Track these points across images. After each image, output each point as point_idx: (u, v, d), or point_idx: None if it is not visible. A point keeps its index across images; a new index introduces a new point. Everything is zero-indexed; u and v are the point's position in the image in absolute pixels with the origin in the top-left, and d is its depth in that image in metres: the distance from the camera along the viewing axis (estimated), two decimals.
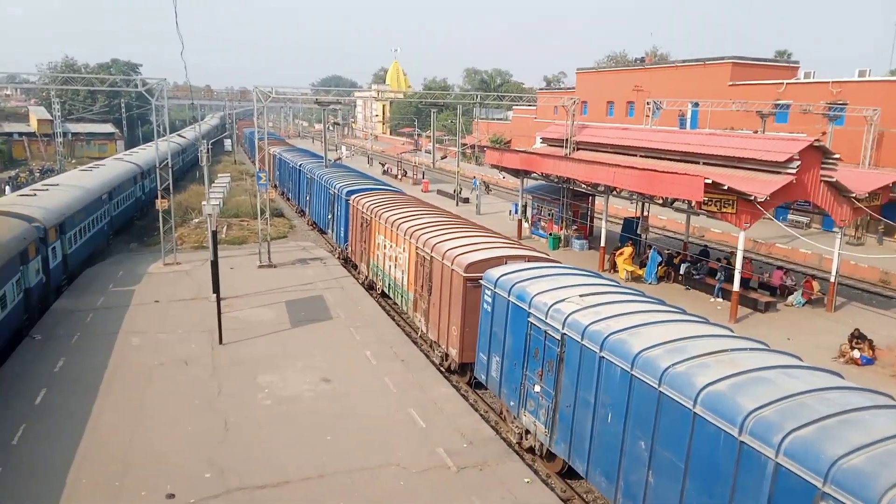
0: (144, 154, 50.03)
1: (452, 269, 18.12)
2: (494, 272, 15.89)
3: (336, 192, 32.41)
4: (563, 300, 13.39)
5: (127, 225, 40.40)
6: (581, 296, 13.56)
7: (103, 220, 33.83)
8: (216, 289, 21.17)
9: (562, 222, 36.48)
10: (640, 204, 33.68)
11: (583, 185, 31.74)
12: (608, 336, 11.67)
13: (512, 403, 14.76)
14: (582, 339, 12.15)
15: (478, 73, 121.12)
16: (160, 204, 30.73)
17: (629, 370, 10.94)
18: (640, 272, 29.41)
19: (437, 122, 73.96)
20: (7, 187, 52.52)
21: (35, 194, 28.27)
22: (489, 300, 15.77)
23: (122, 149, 79.51)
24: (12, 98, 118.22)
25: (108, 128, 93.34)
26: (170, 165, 33.04)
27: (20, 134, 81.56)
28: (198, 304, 24.49)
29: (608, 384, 11.50)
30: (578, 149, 37.28)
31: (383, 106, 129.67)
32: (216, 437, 14.82)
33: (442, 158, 69.87)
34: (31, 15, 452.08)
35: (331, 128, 74.70)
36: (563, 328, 12.72)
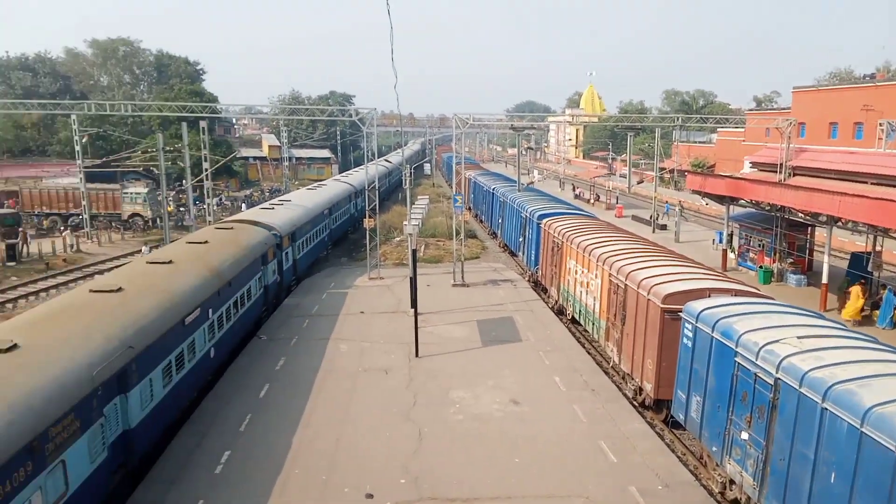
0: (357, 176, 54.64)
1: (649, 300, 17.42)
2: (696, 305, 15.00)
3: (528, 215, 32.78)
4: (777, 341, 12.25)
5: (342, 237, 44.64)
6: (799, 337, 12.31)
7: (324, 233, 38.17)
8: (414, 304, 22.42)
9: (774, 254, 33.42)
10: (871, 237, 29.80)
11: (800, 215, 28.88)
12: (833, 385, 10.44)
13: (714, 449, 13.74)
14: (800, 385, 11.01)
15: (678, 94, 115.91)
16: (367, 223, 33.36)
17: (858, 426, 9.68)
18: (872, 315, 25.97)
19: (633, 145, 71.86)
20: (243, 204, 60.23)
21: (273, 208, 32.74)
22: (689, 335, 14.90)
23: (337, 172, 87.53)
24: (249, 127, 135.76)
25: (326, 153, 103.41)
26: (377, 188, 35.73)
27: (254, 158, 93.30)
28: (397, 317, 26.06)
29: (832, 439, 10.27)
30: (795, 174, 34.06)
31: (577, 130, 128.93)
32: (411, 445, 15.60)
33: (638, 183, 67.64)
34: (260, 52, 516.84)
35: (524, 152, 75.85)
36: (776, 372, 11.62)
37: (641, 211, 58.21)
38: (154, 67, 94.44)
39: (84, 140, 49.19)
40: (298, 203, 35.28)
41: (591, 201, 67.20)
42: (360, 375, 19.96)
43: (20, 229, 42.92)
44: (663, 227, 49.23)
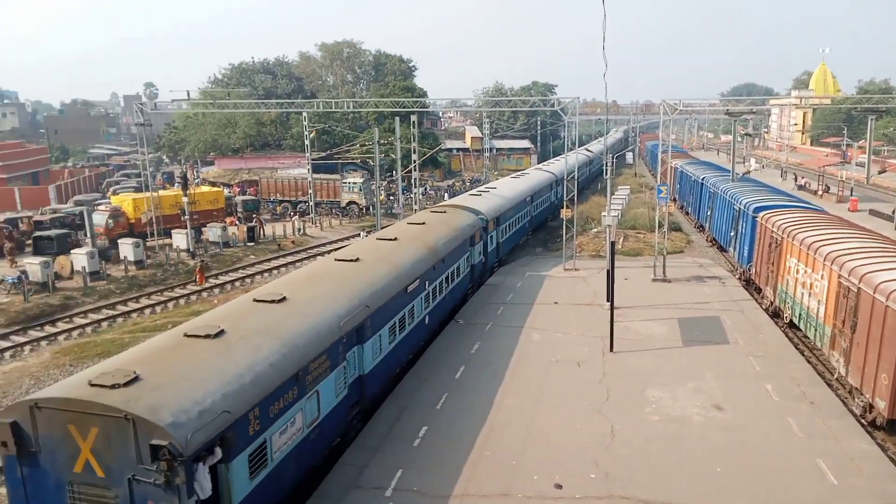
0: (558, 165, 54.53)
1: (887, 306, 15.22)
2: None
3: (741, 207, 30.22)
4: None
5: (542, 224, 45.25)
6: None
7: (525, 219, 39.44)
8: (610, 297, 21.85)
9: None
10: None
11: None
12: None
13: None
14: None
15: None
16: (565, 213, 33.10)
17: None
18: None
19: (874, 130, 62.72)
20: (446, 194, 63.02)
21: (480, 195, 34.90)
22: None
23: (535, 162, 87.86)
24: (453, 119, 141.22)
25: (526, 143, 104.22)
26: (576, 177, 35.27)
27: (457, 149, 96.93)
28: (592, 309, 25.59)
29: None
30: None
31: (804, 114, 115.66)
32: (602, 441, 15.29)
33: (879, 173, 58.97)
34: (466, 47, 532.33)
35: (740, 139, 69.88)
36: None
37: (882, 205, 50.77)
38: (372, 66, 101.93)
39: (312, 135, 54.79)
40: (503, 190, 37.23)
41: (819, 193, 60.04)
42: (552, 366, 19.96)
43: (256, 215, 49.19)
44: None
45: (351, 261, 18.50)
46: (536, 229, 43.43)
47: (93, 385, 10.02)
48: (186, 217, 38.66)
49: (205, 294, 31.74)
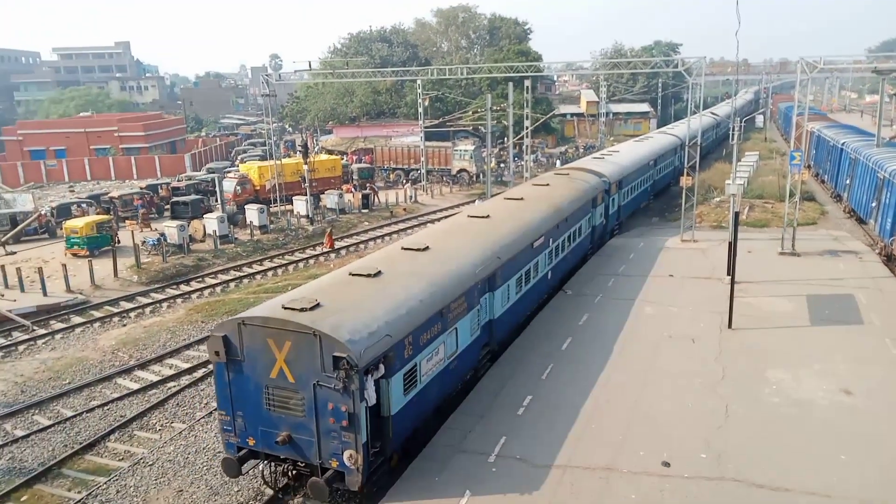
0: (683, 128, 51.97)
1: None
2: None
3: (886, 175, 27.46)
4: None
5: (665, 189, 44.36)
6: None
7: (647, 183, 39.15)
8: (731, 271, 20.70)
9: None
10: None
11: None
12: None
13: None
14: None
15: None
16: (685, 181, 31.47)
17: None
18: None
19: None
20: (558, 161, 61.79)
21: (603, 158, 35.34)
22: None
23: (654, 127, 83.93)
24: (569, 83, 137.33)
25: (644, 107, 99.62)
26: (698, 143, 33.39)
27: (572, 115, 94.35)
28: (710, 283, 24.39)
29: None
30: None
31: None
32: (716, 421, 14.69)
33: None
34: (590, 8, 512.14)
35: (888, 100, 63.03)
36: None
37: None
38: (487, 31, 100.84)
39: (426, 102, 55.32)
40: (626, 154, 37.34)
41: None
42: (664, 341, 19.29)
43: (370, 183, 50.59)
44: None
45: (483, 217, 20.59)
46: (659, 194, 42.64)
47: (285, 308, 12.52)
48: (306, 184, 40.47)
49: (322, 258, 33.26)
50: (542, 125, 68.50)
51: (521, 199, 23.58)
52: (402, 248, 17.28)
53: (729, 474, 12.70)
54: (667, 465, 13.08)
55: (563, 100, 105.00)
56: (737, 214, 21.44)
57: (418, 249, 16.82)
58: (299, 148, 50.62)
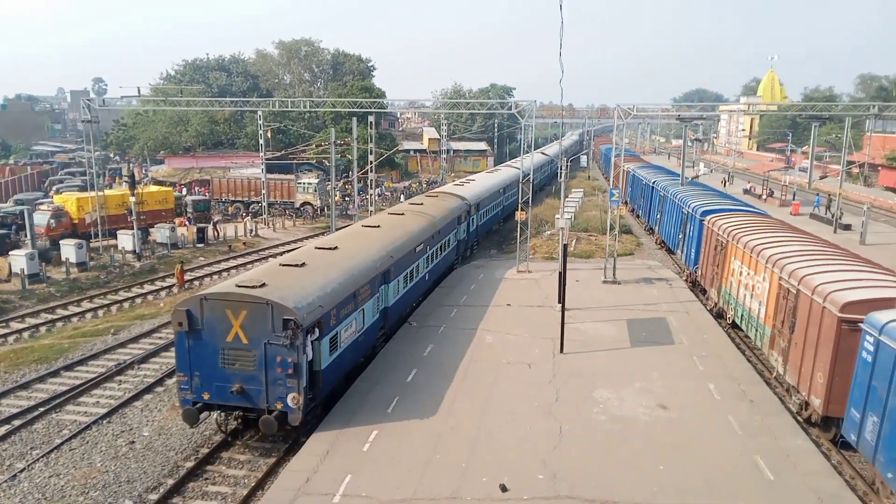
0: (525, 163, 55.39)
1: (823, 307, 15.79)
2: (881, 316, 13.38)
3: (690, 211, 30.98)
4: None
5: (511, 214, 47.63)
6: None
7: (498, 207, 44.65)
8: (562, 299, 22.10)
9: None
10: None
11: None
12: None
13: (890, 475, 12.22)
14: None
15: (875, 79, 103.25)
16: (519, 216, 33.35)
17: None
18: None
19: (817, 136, 65.07)
20: (402, 196, 62.84)
21: (463, 185, 41.35)
22: (870, 348, 13.33)
23: (492, 164, 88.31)
24: (411, 120, 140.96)
25: (482, 145, 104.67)
26: (531, 180, 35.61)
27: (415, 151, 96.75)
28: (544, 311, 25.86)
29: None
30: None
31: (751, 120, 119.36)
32: (551, 441, 15.45)
33: (820, 178, 61.14)
34: (426, 48, 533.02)
35: (690, 144, 71.54)
36: None
37: (822, 209, 52.78)
38: (330, 65, 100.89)
39: (267, 134, 53.91)
40: (481, 182, 43.73)
41: (764, 197, 62.06)
42: (503, 367, 20.08)
43: (210, 215, 48.16)
44: (847, 228, 44.31)
45: (375, 227, 25.08)
46: (507, 218, 47.94)
47: (239, 286, 15.94)
48: (133, 217, 37.61)
49: (150, 297, 30.91)
50: (387, 160, 69.43)
51: (403, 213, 28.57)
52: (316, 248, 21.22)
53: (564, 492, 13.37)
54: (504, 489, 13.47)
55: (406, 136, 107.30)
56: (565, 247, 23.02)
57: (330, 248, 20.79)
58: (126, 178, 46.97)
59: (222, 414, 16.73)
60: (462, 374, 19.48)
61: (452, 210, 32.31)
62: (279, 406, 15.38)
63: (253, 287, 15.71)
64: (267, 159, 53.34)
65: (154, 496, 14.36)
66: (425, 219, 28.23)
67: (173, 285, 32.24)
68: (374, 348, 21.12)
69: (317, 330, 15.94)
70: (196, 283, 33.15)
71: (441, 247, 29.42)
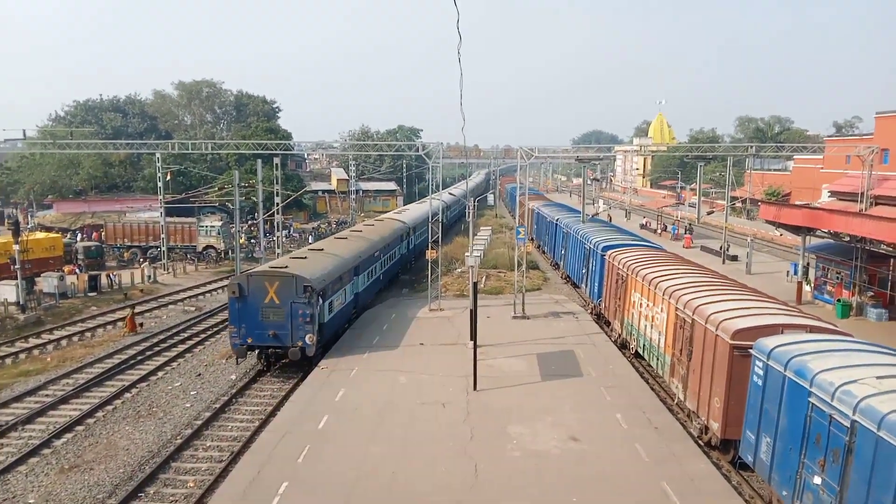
0: (435, 203, 56.23)
1: (717, 335, 16.74)
2: (768, 342, 14.31)
3: (592, 246, 32.27)
4: (855, 381, 11.53)
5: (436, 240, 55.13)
6: (879, 377, 11.54)
7: (427, 232, 49.95)
8: (474, 336, 22.29)
9: (854, 287, 31.62)
10: None
11: (883, 246, 27.27)
12: None
13: (784, 493, 12.94)
14: (878, 429, 10.28)
15: (752, 121, 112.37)
16: (430, 255, 33.58)
17: None
18: None
19: (703, 174, 69.94)
20: (311, 237, 61.87)
21: (401, 212, 51.31)
22: (760, 373, 14.20)
23: (401, 204, 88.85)
24: (319, 161, 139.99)
25: (391, 185, 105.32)
26: (440, 220, 36.07)
27: (323, 191, 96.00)
28: (456, 349, 25.97)
29: None
30: (877, 203, 32.31)
31: (644, 159, 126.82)
32: (467, 481, 15.36)
33: (708, 213, 65.62)
34: (332, 90, 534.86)
35: (589, 182, 75.01)
36: (853, 414, 10.91)
37: (711, 242, 56.38)
38: (233, 106, 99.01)
39: (166, 177, 51.92)
40: (414, 211, 52.55)
41: (659, 232, 65.62)
42: (417, 408, 19.90)
43: (105, 262, 45.48)
44: (734, 259, 47.48)
45: (344, 238, 34.68)
46: (447, 230, 55.09)
47: (272, 268, 25.10)
48: (17, 266, 34.93)
49: (36, 352, 28.61)
50: (295, 201, 68.35)
51: (361, 231, 38.13)
52: (309, 249, 31.53)
53: None
54: None
55: (314, 177, 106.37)
56: (475, 284, 23.33)
57: (319, 249, 30.26)
58: (9, 225, 43.77)
59: (260, 352, 24.61)
60: (377, 418, 19.13)
61: (397, 230, 41.67)
62: (300, 344, 23.64)
63: (282, 267, 24.81)
64: (167, 202, 51.28)
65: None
66: (379, 234, 37.61)
67: (38, 345, 29.93)
68: (349, 321, 30.00)
69: (321, 297, 24.39)
70: (58, 344, 30.68)
71: (391, 256, 38.52)
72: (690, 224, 66.13)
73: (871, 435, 10.44)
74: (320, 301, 24.18)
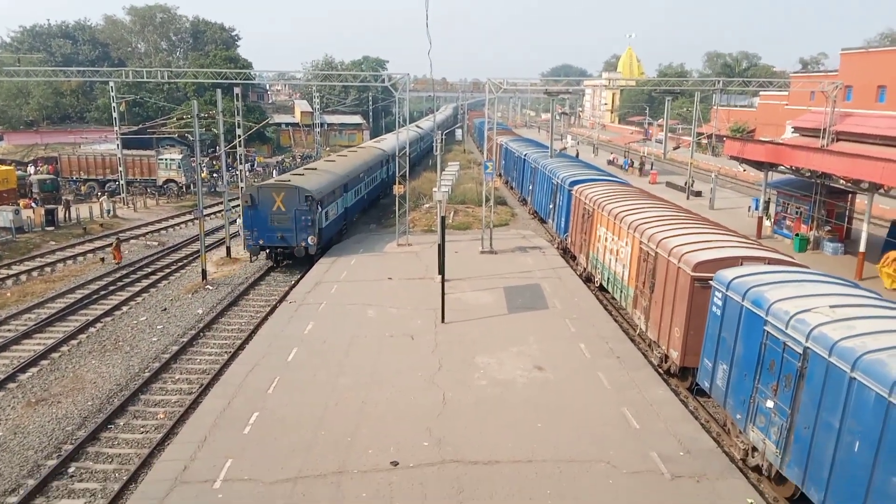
0: (401, 137, 55.22)
1: (679, 268, 17.13)
2: (727, 273, 14.71)
3: (559, 182, 32.36)
4: (808, 310, 11.98)
5: (419, 161, 65.57)
6: (831, 306, 12.00)
7: (410, 157, 54.11)
8: (442, 270, 22.45)
9: (812, 222, 32.52)
10: None
11: (842, 182, 27.94)
12: (863, 355, 10.19)
13: (738, 416, 13.60)
14: (829, 355, 10.77)
15: (720, 56, 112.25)
16: (397, 189, 33.31)
17: (887, 396, 9.46)
18: None
19: (671, 110, 70.03)
20: (275, 171, 60.69)
21: (380, 141, 56.27)
22: (719, 303, 14.65)
23: (368, 138, 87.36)
24: (282, 93, 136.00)
25: (357, 119, 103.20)
26: (407, 154, 35.63)
27: (287, 124, 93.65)
28: (424, 283, 26.17)
29: (858, 409, 10.06)
30: (838, 139, 32.91)
31: (613, 94, 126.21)
32: (435, 409, 15.77)
33: (674, 149, 66.10)
34: (294, 20, 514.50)
35: (558, 117, 74.49)
36: (806, 341, 11.39)
37: (677, 177, 57.05)
38: (190, 34, 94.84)
39: (121, 107, 49.92)
40: (391, 140, 52.98)
41: (629, 169, 65.99)
42: (386, 340, 20.16)
43: (62, 195, 44.09)
44: (698, 194, 48.23)
45: (332, 161, 39.81)
46: (413, 166, 53.86)
47: (278, 181, 31.73)
48: None
49: None
50: (257, 134, 66.65)
51: (347, 155, 43.16)
52: (305, 168, 35.73)
53: (449, 457, 13.72)
54: (395, 464, 13.62)
55: (276, 109, 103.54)
56: (443, 219, 23.33)
57: (313, 169, 34.63)
58: None
59: (270, 251, 29.86)
60: (345, 351, 19.34)
61: (379, 156, 46.13)
62: (303, 244, 28.87)
63: (286, 181, 30.30)
64: (123, 134, 49.54)
65: (16, 496, 13.18)
66: (363, 159, 42.16)
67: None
68: (340, 233, 34.35)
69: (319, 205, 29.20)
70: (17, 279, 30.27)
71: (374, 179, 43.62)
72: (642, 159, 67.23)
73: (822, 361, 10.93)
74: (319, 209, 29.07)
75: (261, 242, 28.76)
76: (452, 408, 15.87)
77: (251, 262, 30.48)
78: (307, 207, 28.29)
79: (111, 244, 32.22)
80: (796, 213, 34.09)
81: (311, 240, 28.61)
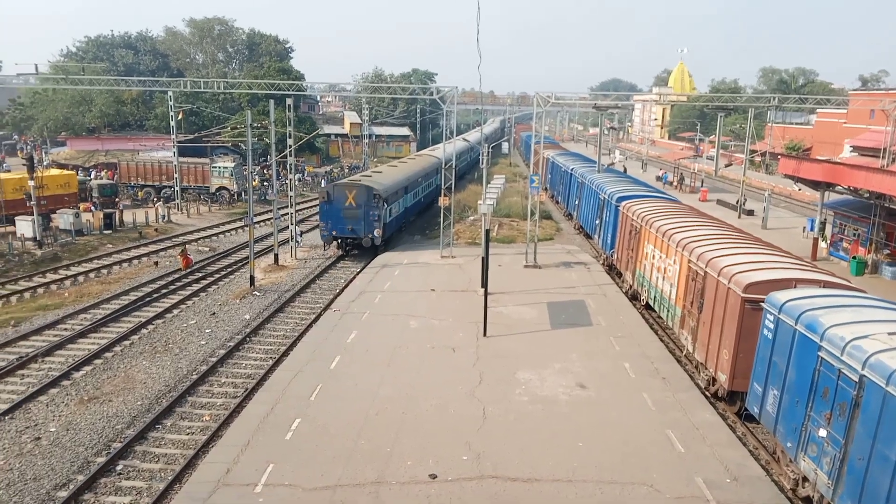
0: (447, 149, 55.61)
1: (729, 288, 16.71)
2: (780, 296, 14.27)
3: (606, 197, 32.00)
4: (865, 336, 11.52)
5: (468, 170, 67.79)
6: (890, 333, 11.52)
7: (457, 167, 55.13)
8: (485, 283, 22.40)
9: (870, 244, 31.30)
10: None
11: None
12: None
13: (789, 444, 13.13)
14: (887, 384, 10.33)
15: (776, 72, 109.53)
16: (442, 201, 33.46)
17: None
18: None
19: (723, 126, 68.53)
20: (323, 180, 61.69)
21: (433, 150, 58.58)
22: (771, 326, 14.22)
23: (415, 150, 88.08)
24: (332, 104, 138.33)
25: (405, 131, 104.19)
26: (454, 166, 35.80)
27: (336, 135, 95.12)
28: (467, 296, 26.15)
29: None
30: None
31: (663, 110, 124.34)
32: (475, 423, 15.69)
33: (726, 166, 64.57)
34: (347, 35, 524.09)
35: (606, 132, 73.77)
36: (862, 369, 10.95)
37: (728, 195, 55.75)
38: (246, 46, 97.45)
39: (178, 116, 51.56)
40: (446, 148, 54.39)
41: (675, 184, 64.84)
42: (428, 352, 20.19)
43: (117, 200, 45.71)
44: (750, 213, 47.01)
45: (394, 167, 44.00)
46: (462, 175, 60.92)
47: (350, 181, 35.68)
48: (33, 202, 35.20)
49: (54, 287, 29.12)
50: (307, 144, 67.95)
51: (406, 162, 47.88)
52: (372, 171, 41.55)
53: (488, 472, 13.62)
54: (434, 476, 13.59)
55: (326, 120, 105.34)
56: (488, 232, 23.31)
57: (379, 171, 39.92)
58: (23, 160, 43.88)
59: (342, 242, 34.24)
60: (387, 361, 19.45)
61: (434, 164, 48.15)
62: (370, 236, 32.85)
63: (357, 180, 34.38)
64: (179, 142, 51.11)
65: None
66: (420, 165, 46.67)
67: (56, 280, 30.40)
68: (400, 229, 38.46)
69: (385, 203, 33.16)
70: (75, 280, 31.34)
71: (429, 184, 47.02)
72: (681, 174, 66.40)
73: (879, 390, 10.49)
74: (385, 206, 33.16)
75: (334, 233, 33.21)
76: (493, 422, 15.78)
77: (324, 249, 35.17)
78: (375, 204, 32.39)
79: (180, 249, 33.84)
80: (854, 234, 32.87)
81: (377, 232, 32.69)
